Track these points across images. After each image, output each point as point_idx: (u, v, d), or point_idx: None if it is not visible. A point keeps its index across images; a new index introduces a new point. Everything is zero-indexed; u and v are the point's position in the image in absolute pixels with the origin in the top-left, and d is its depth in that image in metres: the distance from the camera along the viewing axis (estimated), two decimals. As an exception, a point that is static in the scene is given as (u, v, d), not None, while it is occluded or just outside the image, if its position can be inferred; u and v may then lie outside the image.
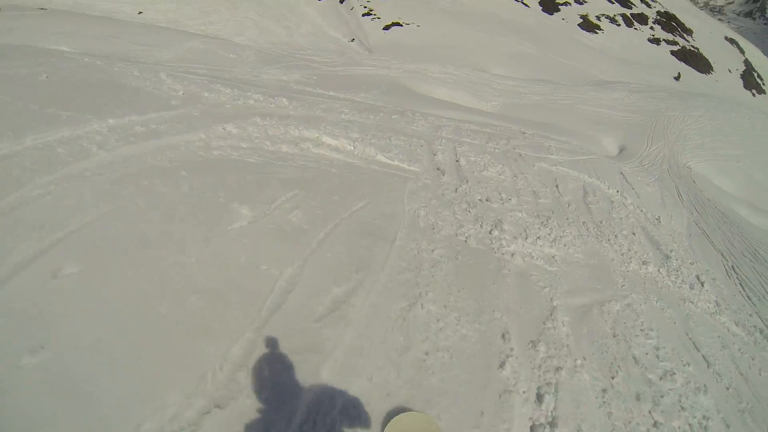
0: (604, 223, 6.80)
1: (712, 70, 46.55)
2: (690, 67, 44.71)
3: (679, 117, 21.34)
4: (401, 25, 29.41)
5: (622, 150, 15.96)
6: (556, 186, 7.70)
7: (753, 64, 54.44)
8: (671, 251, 6.71)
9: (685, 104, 23.43)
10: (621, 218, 7.38)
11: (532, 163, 8.43)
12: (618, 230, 6.74)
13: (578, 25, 44.28)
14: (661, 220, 8.40)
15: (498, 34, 32.27)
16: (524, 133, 11.55)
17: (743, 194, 17.06)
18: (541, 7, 45.81)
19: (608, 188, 8.70)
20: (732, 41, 60.40)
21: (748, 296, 6.69)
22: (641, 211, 8.42)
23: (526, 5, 43.95)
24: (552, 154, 9.59)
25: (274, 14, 29.50)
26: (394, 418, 2.17)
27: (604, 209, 7.49)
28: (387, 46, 27.26)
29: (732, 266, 8.10)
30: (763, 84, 50.61)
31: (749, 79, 49.55)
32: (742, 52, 57.43)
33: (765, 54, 60.09)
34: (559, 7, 46.89)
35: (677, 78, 39.92)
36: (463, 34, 30.43)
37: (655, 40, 48.12)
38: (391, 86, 15.21)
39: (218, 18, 25.91)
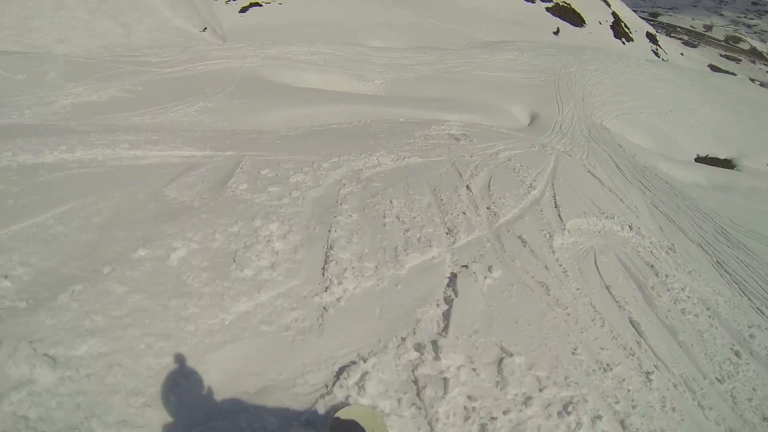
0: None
1: (585, 23, 48.03)
2: (565, 22, 45.60)
3: (577, 73, 20.18)
4: (260, 5, 25.18)
5: (534, 118, 13.98)
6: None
7: (619, 16, 57.60)
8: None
9: (578, 59, 22.48)
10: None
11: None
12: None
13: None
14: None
15: (371, 3, 29.27)
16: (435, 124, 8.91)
17: (657, 147, 16.15)
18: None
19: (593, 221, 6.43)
20: (599, -7, 63.41)
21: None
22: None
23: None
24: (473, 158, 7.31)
25: (109, 10, 23.70)
26: (339, 411, 2.12)
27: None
28: (245, 32, 22.94)
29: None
30: (630, 33, 53.65)
31: (618, 29, 52.13)
32: (608, 5, 60.67)
33: (627, 5, 64.38)
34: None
35: (556, 33, 40.21)
36: (332, 6, 26.93)
37: (529, -2, 48.49)
38: (246, 81, 11.68)
39: (41, 23, 19.86)
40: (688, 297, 4.99)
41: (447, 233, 4.64)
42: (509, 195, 5.96)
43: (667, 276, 5.27)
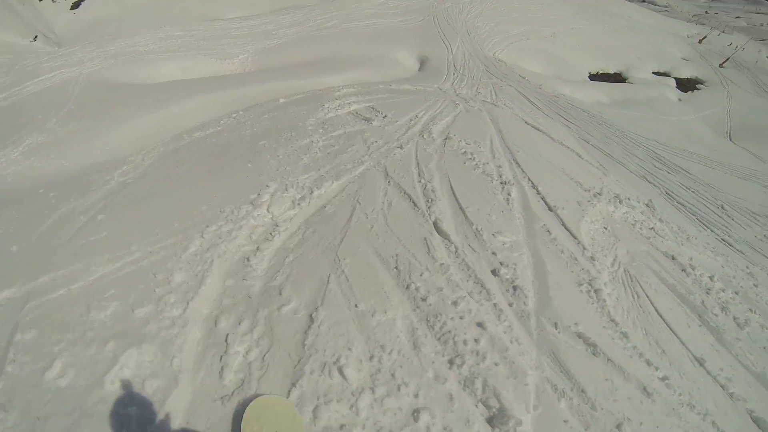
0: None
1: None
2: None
3: (453, 8, 18.43)
4: (94, -4, 20.07)
5: (424, 62, 11.88)
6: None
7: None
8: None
9: (451, -6, 20.76)
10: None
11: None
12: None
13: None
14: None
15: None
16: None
17: (552, 71, 15.01)
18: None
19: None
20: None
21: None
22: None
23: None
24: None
25: None
26: (254, 401, 2.06)
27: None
28: (83, 30, 18.03)
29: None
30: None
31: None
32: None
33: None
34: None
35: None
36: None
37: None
38: (88, 93, 8.10)
39: None
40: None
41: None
42: (494, 215, 3.78)
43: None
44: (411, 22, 15.80)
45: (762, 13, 48.39)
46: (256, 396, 2.11)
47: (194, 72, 10.81)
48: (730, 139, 13.39)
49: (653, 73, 20.81)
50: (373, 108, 6.37)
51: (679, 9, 49.91)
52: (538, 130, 6.35)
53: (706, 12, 50.42)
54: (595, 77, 17.80)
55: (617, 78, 18.96)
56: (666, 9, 48.51)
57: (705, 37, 29.41)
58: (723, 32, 33.89)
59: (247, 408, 2.02)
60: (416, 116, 6.13)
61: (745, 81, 21.94)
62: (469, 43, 13.49)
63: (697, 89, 20.66)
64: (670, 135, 10.72)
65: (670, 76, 21.41)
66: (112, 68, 10.06)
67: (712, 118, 15.30)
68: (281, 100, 6.87)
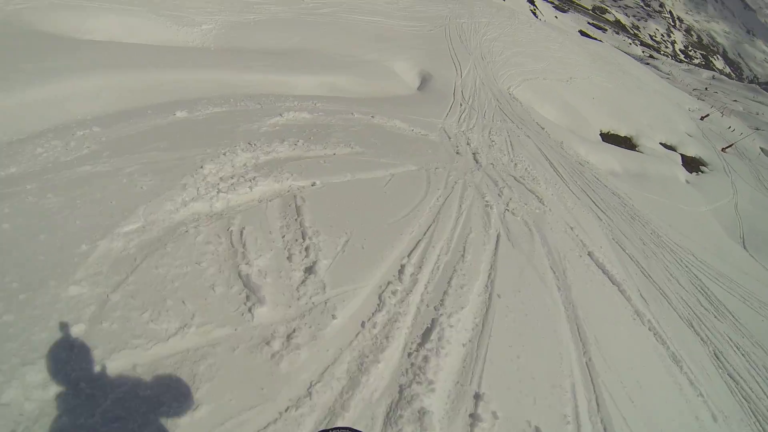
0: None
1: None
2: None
3: (469, 25, 16.24)
4: None
5: (426, 80, 9.49)
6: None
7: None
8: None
9: (468, 10, 18.64)
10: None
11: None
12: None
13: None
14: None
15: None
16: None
17: (567, 122, 12.99)
18: None
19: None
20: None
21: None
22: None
23: None
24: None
25: None
26: None
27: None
28: None
29: None
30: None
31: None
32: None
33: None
34: None
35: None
36: None
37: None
38: None
39: None
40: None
41: None
42: None
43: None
44: (420, 30, 13.43)
45: (758, 102, 48.98)
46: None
47: (140, 34, 7.97)
48: (744, 247, 11.83)
49: (661, 143, 19.43)
50: (299, 202, 3.42)
51: (680, 79, 50.01)
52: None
53: (706, 89, 50.92)
54: (606, 137, 16.08)
55: (627, 143, 17.36)
56: (668, 77, 48.45)
57: (707, 115, 28.73)
58: (722, 114, 33.46)
59: None
60: (399, 261, 3.12)
61: (747, 172, 20.92)
62: (482, 69, 11.25)
63: (702, 171, 19.40)
64: (692, 234, 8.85)
65: (676, 151, 20.08)
66: (35, 10, 7.12)
67: (724, 213, 13.77)
68: (177, 113, 4.28)
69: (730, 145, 23.69)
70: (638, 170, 13.25)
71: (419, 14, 15.42)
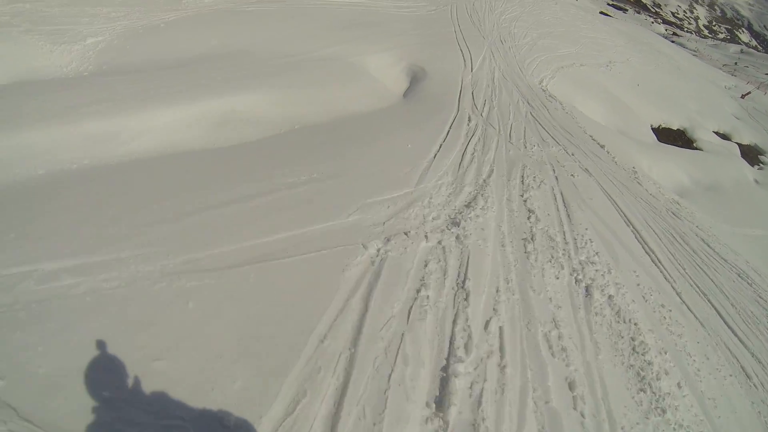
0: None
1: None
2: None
3: (483, 5, 13.07)
4: None
5: (419, 79, 6.39)
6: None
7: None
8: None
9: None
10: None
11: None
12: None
13: None
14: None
15: None
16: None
17: (615, 120, 9.82)
18: None
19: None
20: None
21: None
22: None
23: None
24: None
25: None
26: None
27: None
28: None
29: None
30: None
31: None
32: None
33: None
34: None
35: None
36: None
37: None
38: None
39: None
40: None
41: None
42: None
43: None
44: (416, 10, 10.34)
45: None
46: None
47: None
48: None
49: (714, 132, 16.14)
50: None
51: (707, 55, 45.89)
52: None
53: (736, 63, 46.81)
54: (659, 133, 12.89)
55: (682, 137, 14.11)
56: (695, 53, 44.39)
57: (749, 93, 25.11)
58: (766, 92, 29.72)
59: None
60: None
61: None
62: (502, 57, 8.18)
63: (763, 163, 16.04)
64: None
65: (731, 140, 16.75)
66: None
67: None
68: None
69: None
70: (710, 180, 10.06)
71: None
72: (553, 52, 10.69)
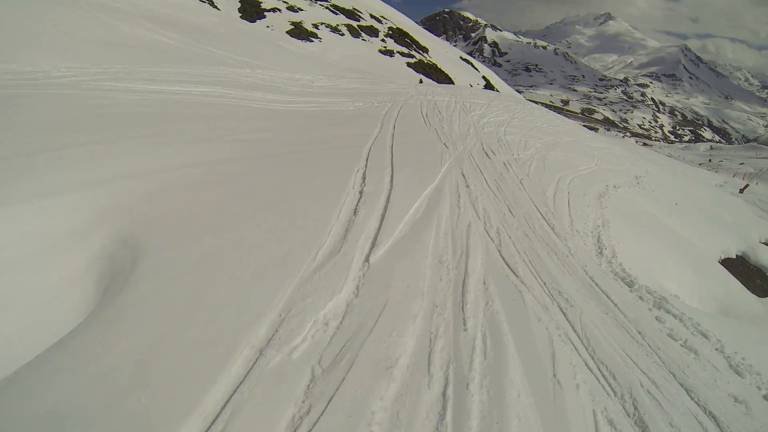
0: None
1: (453, 83, 41.44)
2: (431, 79, 38.21)
3: (452, 104, 9.62)
4: None
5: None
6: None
7: (489, 80, 53.66)
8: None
9: (453, 92, 12.32)
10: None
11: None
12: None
13: (287, 32, 32.80)
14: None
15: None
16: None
17: (705, 287, 5.42)
18: (240, 14, 33.29)
19: None
20: (467, 61, 60.10)
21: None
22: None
23: (216, 8, 30.47)
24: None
25: None
26: None
27: None
28: None
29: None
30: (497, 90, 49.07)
31: (491, 88, 47.04)
32: (476, 69, 57.37)
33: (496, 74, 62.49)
34: (265, 13, 35.20)
35: (421, 82, 31.91)
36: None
37: (388, 52, 40.74)
38: None
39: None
40: None
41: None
42: None
43: None
44: (344, 113, 6.56)
45: (763, 158, 44.77)
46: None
47: None
48: None
49: (762, 243, 11.71)
50: None
51: (681, 158, 45.45)
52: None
53: (710, 160, 47.03)
54: (728, 264, 8.54)
55: (748, 270, 9.75)
56: (670, 157, 44.09)
57: (747, 185, 22.18)
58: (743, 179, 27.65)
59: None
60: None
61: None
62: (494, 183, 4.09)
63: None
64: None
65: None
66: None
67: None
68: None
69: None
70: None
71: (356, 86, 8.79)
72: (575, 169, 6.82)
